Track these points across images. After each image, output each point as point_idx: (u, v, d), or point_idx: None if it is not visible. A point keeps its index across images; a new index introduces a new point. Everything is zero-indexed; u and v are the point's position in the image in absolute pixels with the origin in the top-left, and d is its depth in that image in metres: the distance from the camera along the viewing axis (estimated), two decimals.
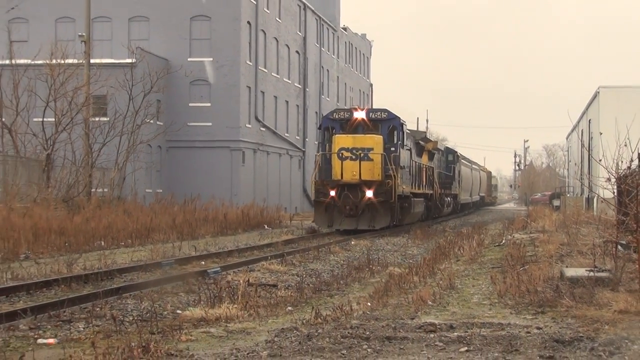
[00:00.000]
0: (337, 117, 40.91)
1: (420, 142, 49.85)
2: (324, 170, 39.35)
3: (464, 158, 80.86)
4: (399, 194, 39.42)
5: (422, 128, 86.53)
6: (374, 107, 51.94)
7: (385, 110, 41.95)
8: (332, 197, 37.70)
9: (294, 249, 28.85)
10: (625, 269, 16.94)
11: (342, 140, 38.44)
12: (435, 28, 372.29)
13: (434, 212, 55.57)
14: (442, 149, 66.95)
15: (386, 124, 40.14)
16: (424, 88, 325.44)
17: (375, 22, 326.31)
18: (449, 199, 64.06)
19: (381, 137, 38.96)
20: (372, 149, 38.13)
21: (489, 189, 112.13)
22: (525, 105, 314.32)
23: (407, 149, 42.59)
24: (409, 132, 45.84)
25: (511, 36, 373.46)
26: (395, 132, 40.29)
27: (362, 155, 37.82)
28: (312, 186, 39.72)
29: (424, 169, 50.95)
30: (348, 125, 39.72)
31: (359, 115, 39.85)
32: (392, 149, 39.34)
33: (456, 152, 72.55)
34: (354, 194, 37.74)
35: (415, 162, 46.78)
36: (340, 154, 38.06)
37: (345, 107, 53.45)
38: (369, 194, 37.53)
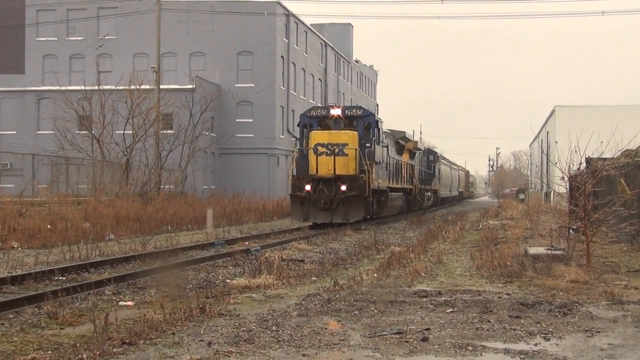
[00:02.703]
0: (314, 114, 34.10)
1: (400, 141, 43.38)
2: (301, 165, 32.70)
3: (444, 158, 76.04)
4: (374, 188, 33.37)
5: (417, 139, 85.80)
6: (390, 128, 46.42)
7: (360, 108, 36.29)
8: (308, 191, 31.42)
9: (317, 232, 28.61)
10: (576, 248, 16.88)
11: (318, 136, 32.14)
12: (428, 56, 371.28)
13: (414, 205, 49.25)
14: (423, 149, 60.73)
15: (361, 121, 33.48)
16: (420, 105, 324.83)
17: (381, 52, 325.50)
18: (429, 193, 58.05)
19: (356, 133, 32.48)
20: (346, 144, 31.81)
21: (467, 185, 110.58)
22: (498, 119, 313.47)
23: (383, 146, 36.28)
24: (389, 131, 40.75)
25: (488, 62, 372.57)
26: (371, 129, 33.63)
27: (337, 150, 31.54)
28: (289, 181, 33.25)
29: (404, 165, 44.62)
30: (325, 122, 33.29)
31: (335, 112, 33.47)
32: (367, 144, 32.95)
33: (436, 152, 66.88)
34: (328, 188, 31.41)
35: (394, 158, 40.54)
36: (316, 150, 31.81)
37: (323, 105, 43.08)
38: (343, 188, 31.26)
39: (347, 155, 31.67)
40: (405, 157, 45.42)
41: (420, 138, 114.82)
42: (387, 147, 37.60)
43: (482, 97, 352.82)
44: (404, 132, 44.89)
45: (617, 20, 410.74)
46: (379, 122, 34.99)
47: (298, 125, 35.29)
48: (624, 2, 65.95)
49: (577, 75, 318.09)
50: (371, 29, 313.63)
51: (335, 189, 31.43)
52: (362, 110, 34.83)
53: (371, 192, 32.48)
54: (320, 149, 31.79)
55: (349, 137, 32.08)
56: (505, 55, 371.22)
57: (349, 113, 33.86)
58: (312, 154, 31.97)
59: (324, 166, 31.67)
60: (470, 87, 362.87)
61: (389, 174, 38.39)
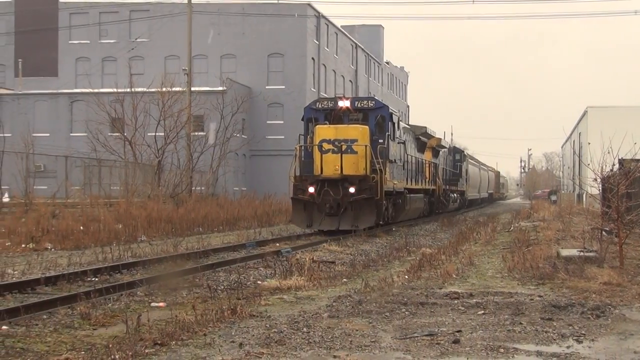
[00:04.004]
0: (320, 106, 29.74)
1: (420, 137, 38.98)
2: (306, 164, 28.69)
3: (472, 158, 72.55)
4: (388, 190, 29.12)
5: (448, 141, 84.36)
6: (411, 123, 42.17)
7: (372, 99, 31.40)
8: (311, 194, 27.43)
9: (348, 234, 28.45)
10: (609, 250, 16.74)
11: (323, 132, 27.95)
12: (459, 57, 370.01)
13: (437, 208, 44.96)
14: (448, 147, 55.04)
15: (373, 114, 29.13)
16: (451, 107, 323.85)
17: (412, 53, 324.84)
18: (455, 195, 53.11)
19: (366, 127, 28.23)
20: (356, 140, 27.66)
21: (497, 187, 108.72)
22: (529, 120, 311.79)
23: (399, 142, 31.81)
24: (408, 127, 37.24)
25: (520, 62, 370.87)
26: (384, 123, 29.29)
27: (344, 147, 27.34)
28: (290, 182, 29.03)
29: (426, 164, 40.19)
30: (332, 116, 29.08)
31: (344, 104, 29.21)
32: (380, 140, 28.65)
33: (463, 151, 62.28)
34: (335, 190, 27.26)
35: (413, 156, 36.14)
36: (321, 147, 27.71)
37: (330, 96, 34.67)
38: (352, 190, 27.22)
39: (356, 152, 27.72)
40: (427, 155, 41.38)
41: (452, 139, 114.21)
42: (404, 143, 33.29)
43: (514, 98, 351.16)
44: (425, 127, 40.72)
45: None
46: (393, 115, 30.57)
47: (302, 119, 30.67)
48: None
49: (610, 75, 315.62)
50: (402, 30, 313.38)
51: (342, 191, 27.43)
52: (374, 102, 30.23)
53: (384, 194, 28.49)
54: (326, 146, 27.79)
55: (358, 132, 28.05)
56: (537, 55, 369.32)
57: (359, 105, 29.69)
58: (316, 152, 28.04)
59: (329, 165, 27.68)
60: (502, 88, 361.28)
61: (407, 174, 34.15)
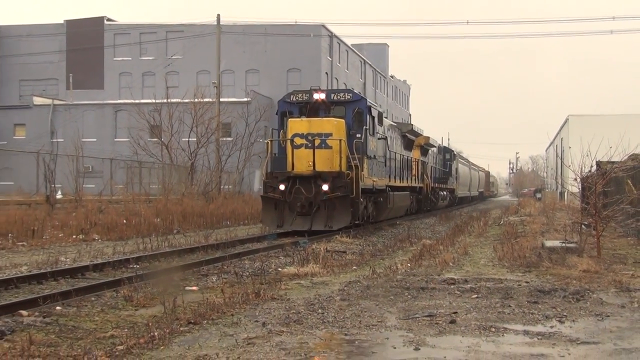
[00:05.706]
0: (294, 99, 24.91)
1: (407, 135, 34.01)
2: (279, 160, 24.25)
3: (462, 158, 68.15)
4: (367, 188, 24.72)
5: (445, 144, 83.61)
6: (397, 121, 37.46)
7: (349, 91, 26.14)
8: (282, 191, 22.94)
9: (357, 228, 28.37)
10: (587, 242, 16.66)
11: (296, 125, 23.42)
12: (455, 71, 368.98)
13: (425, 205, 40.58)
14: (438, 147, 50.03)
15: (351, 107, 24.43)
16: (448, 114, 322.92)
17: (414, 68, 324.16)
18: (444, 192, 49.23)
19: (342, 120, 23.67)
20: (330, 134, 23.15)
21: (487, 186, 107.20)
22: (518, 126, 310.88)
23: (380, 137, 26.82)
24: (394, 124, 33.11)
25: (509, 75, 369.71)
26: (362, 116, 24.47)
27: (318, 142, 22.89)
28: (261, 179, 25.40)
29: (414, 162, 35.61)
30: (307, 109, 24.44)
31: (319, 96, 24.47)
32: (358, 135, 24.03)
33: (453, 151, 57.31)
34: (307, 188, 22.81)
35: (399, 154, 31.42)
36: (293, 141, 23.27)
37: (305, 89, 27.32)
38: (325, 188, 22.67)
39: (330, 147, 23.21)
40: (415, 154, 36.60)
41: (449, 143, 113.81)
42: (385, 139, 28.22)
43: (504, 107, 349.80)
44: (412, 125, 36.48)
45: (624, 37, 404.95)
46: (372, 109, 25.61)
47: (277, 113, 25.71)
48: (629, 23, 64.98)
49: (589, 86, 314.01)
50: (405, 47, 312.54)
51: (315, 189, 22.93)
52: (351, 94, 25.26)
53: (362, 192, 24.12)
54: (298, 141, 23.35)
55: (333, 126, 23.47)
56: (525, 69, 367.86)
57: (335, 97, 24.85)
58: (289, 147, 23.64)
59: (302, 161, 23.32)
60: (493, 97, 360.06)
61: (390, 171, 29.13)
